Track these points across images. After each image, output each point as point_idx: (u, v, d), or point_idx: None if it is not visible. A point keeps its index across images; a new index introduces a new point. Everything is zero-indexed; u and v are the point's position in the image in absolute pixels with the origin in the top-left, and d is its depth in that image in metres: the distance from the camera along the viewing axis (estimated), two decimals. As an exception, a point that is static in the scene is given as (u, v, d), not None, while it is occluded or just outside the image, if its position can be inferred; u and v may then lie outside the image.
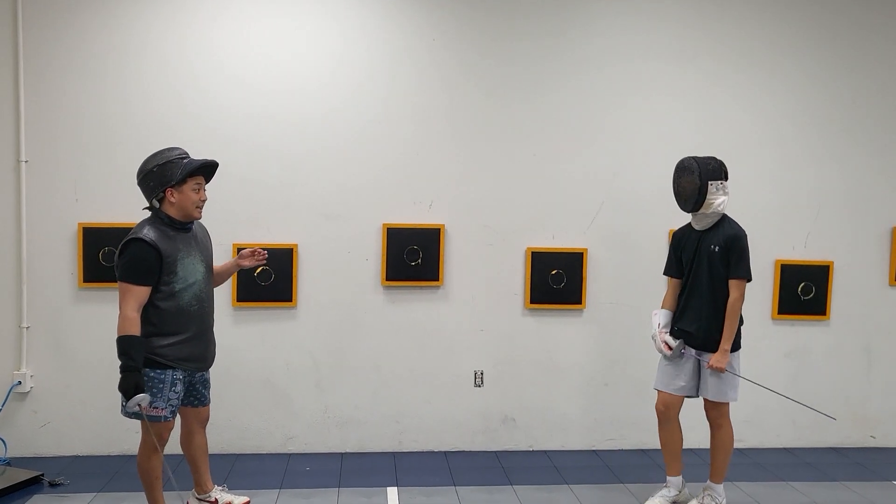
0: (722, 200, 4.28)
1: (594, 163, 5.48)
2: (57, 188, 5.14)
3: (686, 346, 4.43)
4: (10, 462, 5.02)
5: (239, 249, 4.26)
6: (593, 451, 5.57)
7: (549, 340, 5.54)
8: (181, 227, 3.84)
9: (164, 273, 3.72)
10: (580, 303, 5.51)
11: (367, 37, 5.31)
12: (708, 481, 4.55)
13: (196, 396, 4.10)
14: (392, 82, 5.34)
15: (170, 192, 3.77)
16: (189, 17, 5.17)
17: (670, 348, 4.42)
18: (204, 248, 4.00)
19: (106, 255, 5.12)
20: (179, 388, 3.86)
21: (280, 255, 5.23)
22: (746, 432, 5.70)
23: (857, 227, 5.70)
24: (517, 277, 5.50)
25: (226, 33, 5.21)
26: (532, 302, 5.49)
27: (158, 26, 5.15)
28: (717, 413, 4.44)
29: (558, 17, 5.43)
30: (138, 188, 3.91)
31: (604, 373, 5.59)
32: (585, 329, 5.55)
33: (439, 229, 5.39)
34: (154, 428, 3.81)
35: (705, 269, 4.34)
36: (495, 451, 5.52)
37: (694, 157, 4.36)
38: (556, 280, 5.47)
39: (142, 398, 3.62)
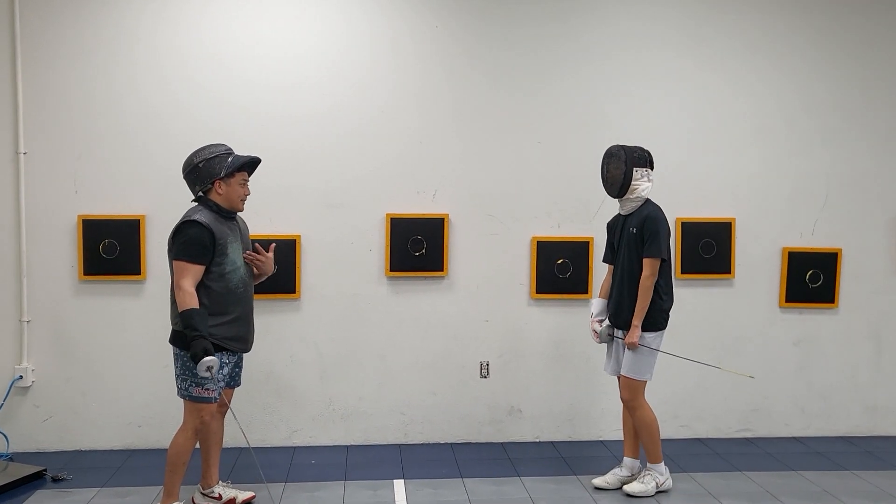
0: (646, 186, 4.45)
1: (600, 150, 5.30)
2: (56, 180, 5.08)
3: (615, 329, 4.57)
4: (12, 457, 4.97)
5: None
6: (601, 441, 5.52)
7: (555, 330, 5.49)
8: (226, 216, 4.03)
9: (216, 254, 3.92)
10: (586, 292, 5.44)
11: (370, 24, 5.24)
12: (647, 464, 4.61)
13: (232, 377, 4.22)
14: (395, 71, 5.27)
15: (218, 184, 3.98)
16: (183, 6, 5.11)
17: (598, 335, 4.61)
18: (245, 238, 4.19)
19: (106, 248, 5.06)
20: (226, 370, 4.05)
21: (283, 246, 5.17)
22: (755, 422, 5.65)
23: (865, 214, 5.64)
24: (522, 267, 5.45)
25: (221, 23, 5.15)
26: (538, 292, 5.43)
27: (153, 18, 5.08)
28: (629, 394, 4.51)
29: (561, 3, 5.35)
30: (184, 181, 4.09)
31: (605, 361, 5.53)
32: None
33: (443, 219, 5.33)
34: (200, 410, 3.95)
35: (626, 252, 4.49)
36: (502, 443, 5.47)
37: (621, 145, 4.52)
38: (562, 269, 5.41)
39: (211, 361, 3.73)
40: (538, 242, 5.40)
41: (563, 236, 5.43)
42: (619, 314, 4.52)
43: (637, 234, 4.42)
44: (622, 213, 4.58)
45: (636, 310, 4.39)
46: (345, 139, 5.26)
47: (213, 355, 3.78)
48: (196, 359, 3.72)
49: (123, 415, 5.22)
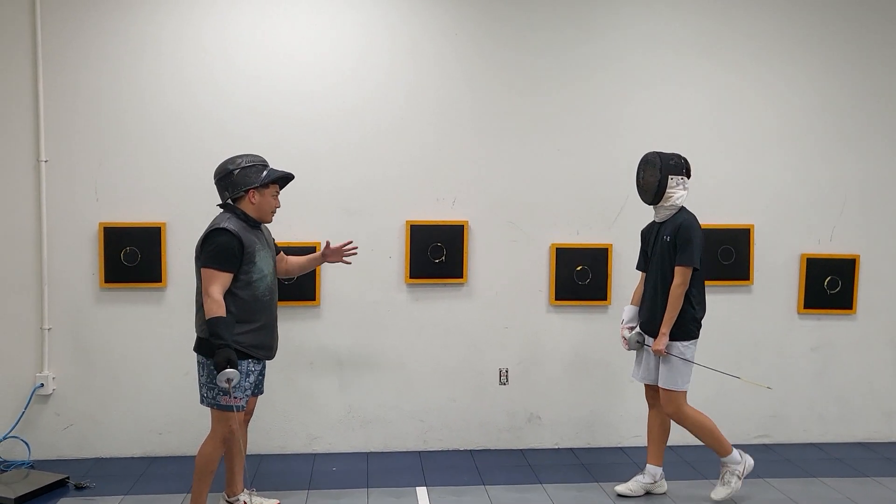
0: (681, 195, 4.44)
1: (618, 156, 5.42)
2: (77, 188, 5.08)
3: (645, 337, 4.57)
4: (33, 465, 4.97)
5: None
6: (620, 448, 5.52)
7: (574, 337, 5.49)
8: (254, 225, 4.05)
9: (244, 262, 3.93)
10: (606, 299, 5.46)
11: (389, 31, 5.25)
12: (720, 459, 4.58)
13: (256, 385, 4.21)
14: (415, 77, 5.28)
15: (252, 193, 4.00)
16: (205, 12, 5.11)
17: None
18: (271, 245, 4.20)
19: (128, 255, 5.06)
20: (252, 378, 4.03)
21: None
22: (773, 428, 5.65)
23: (883, 220, 5.65)
24: (542, 274, 5.45)
25: (243, 29, 5.15)
26: (557, 298, 5.43)
27: (176, 24, 5.09)
28: (671, 406, 4.48)
29: (581, 7, 5.37)
30: (215, 187, 4.10)
31: (629, 369, 5.48)
32: (611, 325, 5.47)
33: (463, 226, 5.33)
34: (228, 418, 3.93)
35: (659, 260, 4.48)
36: (521, 450, 5.47)
37: (657, 152, 4.50)
38: (581, 276, 5.42)
39: (231, 373, 3.71)
40: (557, 249, 5.40)
41: (583, 243, 5.43)
42: (651, 322, 4.51)
43: (670, 241, 4.41)
44: (656, 220, 4.57)
45: (665, 318, 4.38)
46: (364, 146, 5.27)
47: (237, 367, 3.76)
48: (219, 368, 3.71)
49: (144, 422, 5.21)
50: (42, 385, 5.08)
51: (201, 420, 4.12)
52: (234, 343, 3.84)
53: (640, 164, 4.57)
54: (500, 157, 5.38)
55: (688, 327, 4.42)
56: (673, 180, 4.40)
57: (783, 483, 4.88)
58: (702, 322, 4.49)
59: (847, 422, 5.70)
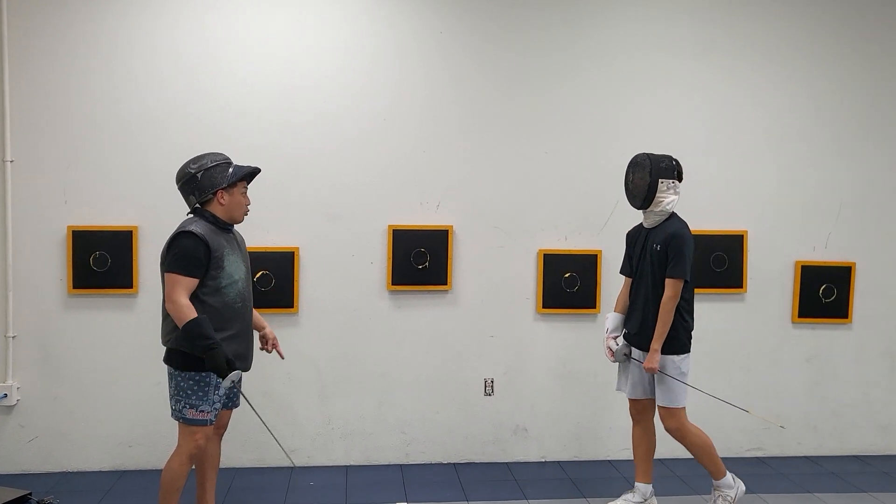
0: (671, 200, 4.21)
1: (608, 160, 5.26)
2: (44, 189, 4.88)
3: (631, 349, 4.35)
4: (-5, 480, 4.77)
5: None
6: (608, 461, 5.36)
7: (562, 346, 5.32)
8: (224, 228, 3.85)
9: (211, 268, 3.70)
10: (594, 307, 5.29)
11: (373, 28, 5.08)
12: (713, 481, 4.40)
13: (230, 397, 4.01)
14: (398, 77, 5.11)
15: (220, 194, 3.79)
16: (182, 7, 4.92)
17: (613, 353, 4.38)
18: (243, 250, 4.00)
19: (97, 260, 4.86)
20: (222, 391, 3.80)
21: (280, 258, 5.00)
22: (767, 440, 5.50)
23: (879, 227, 5.52)
24: (529, 281, 5.28)
25: (221, 25, 4.96)
26: (544, 306, 5.27)
27: (149, 18, 4.90)
28: (672, 423, 4.25)
29: (571, 6, 5.21)
30: (179, 192, 3.87)
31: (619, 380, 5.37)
32: (600, 334, 5.28)
33: (447, 231, 5.16)
34: (195, 433, 3.73)
35: (648, 268, 4.26)
36: (506, 463, 5.30)
37: (647, 154, 4.27)
38: (570, 283, 5.25)
39: (235, 375, 3.54)
40: (545, 255, 5.23)
41: (571, 249, 5.27)
42: (639, 334, 4.28)
43: (661, 251, 4.19)
44: (645, 225, 4.36)
45: (656, 333, 4.14)
46: (346, 147, 5.09)
47: (236, 367, 3.58)
48: (222, 371, 3.51)
49: (113, 434, 5.01)
50: (6, 395, 4.87)
51: (174, 432, 3.91)
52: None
53: (629, 166, 4.34)
54: (487, 159, 5.21)
55: (682, 340, 4.21)
56: (663, 184, 4.17)
57: (776, 498, 4.73)
58: (692, 333, 4.29)
59: (842, 434, 5.56)
